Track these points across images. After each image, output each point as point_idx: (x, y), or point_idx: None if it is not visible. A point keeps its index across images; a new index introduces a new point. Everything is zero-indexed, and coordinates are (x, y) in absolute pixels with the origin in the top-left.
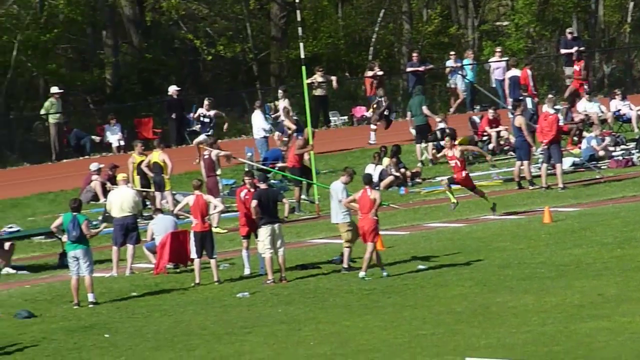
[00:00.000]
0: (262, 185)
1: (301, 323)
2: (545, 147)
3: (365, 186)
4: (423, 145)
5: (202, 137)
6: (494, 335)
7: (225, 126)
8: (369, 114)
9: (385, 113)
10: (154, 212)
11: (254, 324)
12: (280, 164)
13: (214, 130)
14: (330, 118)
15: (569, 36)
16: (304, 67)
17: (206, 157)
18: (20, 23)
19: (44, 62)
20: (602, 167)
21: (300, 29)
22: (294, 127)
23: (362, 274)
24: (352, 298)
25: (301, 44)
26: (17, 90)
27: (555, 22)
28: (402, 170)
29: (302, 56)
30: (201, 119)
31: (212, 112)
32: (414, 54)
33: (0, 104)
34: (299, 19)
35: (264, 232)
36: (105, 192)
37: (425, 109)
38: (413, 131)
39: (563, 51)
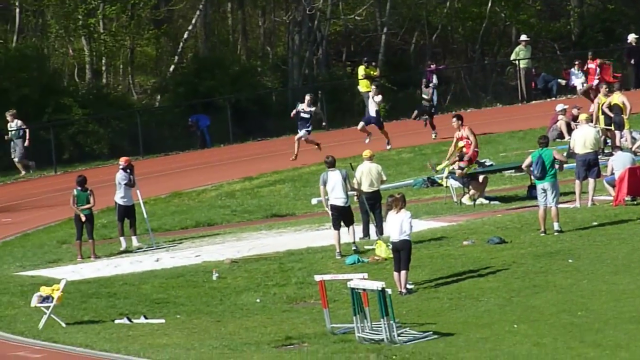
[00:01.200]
0: None
1: None
2: None
3: None
4: None
5: (302, 132)
6: None
7: (323, 123)
8: None
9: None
10: (614, 149)
11: None
12: None
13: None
14: None
15: None
16: None
17: None
18: None
19: (517, 13)
20: None
21: None
22: None
23: None
24: None
25: None
26: (491, 38)
27: None
28: None
29: None
30: (301, 114)
31: (312, 108)
32: None
33: (476, 50)
34: None
35: None
36: (570, 130)
37: None
38: None
39: None
